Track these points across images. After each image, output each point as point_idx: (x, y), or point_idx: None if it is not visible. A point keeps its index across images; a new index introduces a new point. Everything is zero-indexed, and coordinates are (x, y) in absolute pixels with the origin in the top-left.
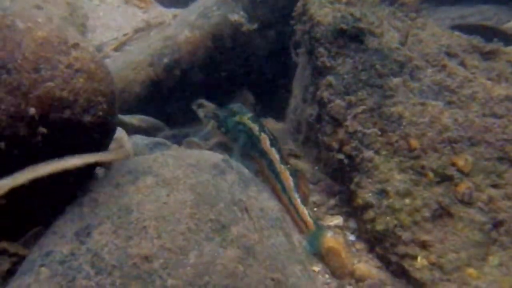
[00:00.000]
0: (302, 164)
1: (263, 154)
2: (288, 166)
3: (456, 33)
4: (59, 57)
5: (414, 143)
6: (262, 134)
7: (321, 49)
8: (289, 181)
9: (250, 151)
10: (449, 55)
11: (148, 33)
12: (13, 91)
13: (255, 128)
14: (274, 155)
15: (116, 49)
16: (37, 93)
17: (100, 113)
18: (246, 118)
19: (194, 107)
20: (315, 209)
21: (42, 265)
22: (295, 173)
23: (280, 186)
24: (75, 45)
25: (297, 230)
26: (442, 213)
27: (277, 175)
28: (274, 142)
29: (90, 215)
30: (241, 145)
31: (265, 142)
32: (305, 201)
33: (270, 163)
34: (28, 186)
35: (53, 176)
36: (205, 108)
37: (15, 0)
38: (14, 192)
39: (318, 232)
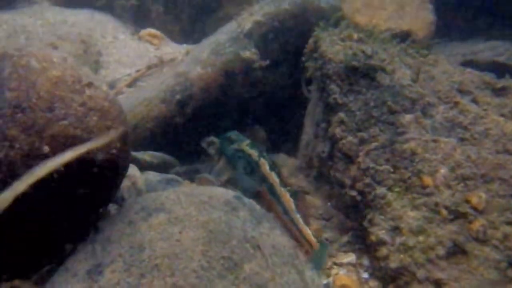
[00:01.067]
0: (314, 200)
1: (263, 179)
2: (288, 188)
3: (468, 69)
4: (73, 96)
5: (427, 180)
6: (261, 159)
7: (333, 86)
8: (290, 203)
9: (250, 176)
10: (461, 91)
11: (161, 69)
12: (27, 130)
13: (254, 154)
14: (274, 178)
15: (129, 85)
16: (51, 132)
17: (113, 151)
18: (245, 145)
19: (204, 145)
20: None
21: None
22: (295, 195)
23: (281, 209)
24: (89, 84)
25: (302, 250)
26: (456, 251)
27: (277, 198)
28: (273, 166)
29: (102, 253)
30: (240, 171)
31: (265, 167)
32: (306, 222)
33: (271, 187)
34: (40, 221)
35: (65, 212)
36: (215, 145)
37: (31, 38)
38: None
39: (322, 249)
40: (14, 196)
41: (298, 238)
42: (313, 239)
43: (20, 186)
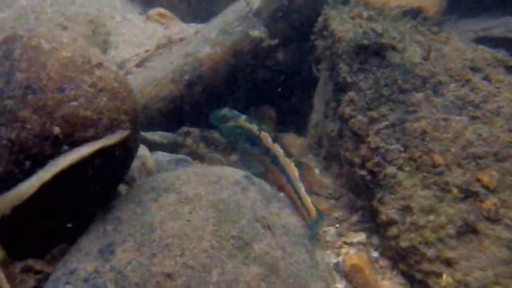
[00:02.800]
0: (323, 179)
1: (267, 151)
2: (293, 158)
3: (480, 46)
4: (83, 76)
5: (438, 158)
6: (262, 132)
7: (343, 65)
8: (294, 172)
9: (252, 151)
10: (473, 69)
11: (170, 49)
12: (38, 110)
13: (254, 128)
14: (278, 150)
15: (138, 65)
16: (61, 113)
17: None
18: (242, 120)
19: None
20: (337, 225)
21: (66, 283)
22: (299, 164)
23: (285, 178)
24: (99, 65)
25: (300, 217)
26: (467, 230)
27: (282, 168)
28: (275, 138)
29: (114, 233)
30: (242, 147)
31: (267, 139)
32: (309, 190)
33: (274, 158)
34: (53, 201)
35: (77, 192)
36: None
37: (40, 18)
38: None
39: (319, 218)
40: (41, 184)
41: (297, 205)
42: (312, 207)
43: (46, 175)
